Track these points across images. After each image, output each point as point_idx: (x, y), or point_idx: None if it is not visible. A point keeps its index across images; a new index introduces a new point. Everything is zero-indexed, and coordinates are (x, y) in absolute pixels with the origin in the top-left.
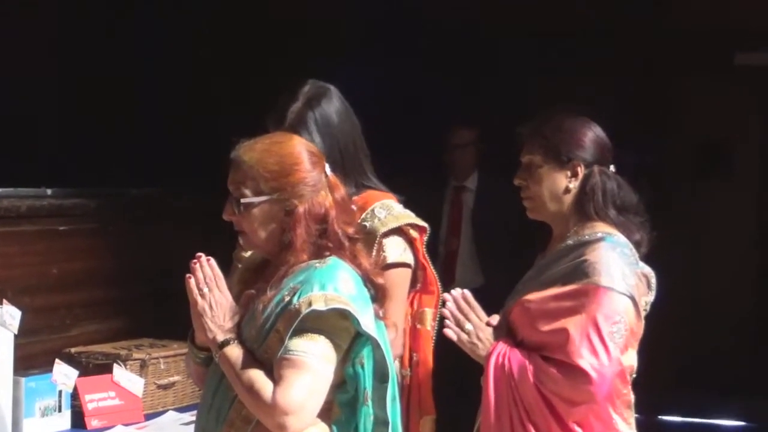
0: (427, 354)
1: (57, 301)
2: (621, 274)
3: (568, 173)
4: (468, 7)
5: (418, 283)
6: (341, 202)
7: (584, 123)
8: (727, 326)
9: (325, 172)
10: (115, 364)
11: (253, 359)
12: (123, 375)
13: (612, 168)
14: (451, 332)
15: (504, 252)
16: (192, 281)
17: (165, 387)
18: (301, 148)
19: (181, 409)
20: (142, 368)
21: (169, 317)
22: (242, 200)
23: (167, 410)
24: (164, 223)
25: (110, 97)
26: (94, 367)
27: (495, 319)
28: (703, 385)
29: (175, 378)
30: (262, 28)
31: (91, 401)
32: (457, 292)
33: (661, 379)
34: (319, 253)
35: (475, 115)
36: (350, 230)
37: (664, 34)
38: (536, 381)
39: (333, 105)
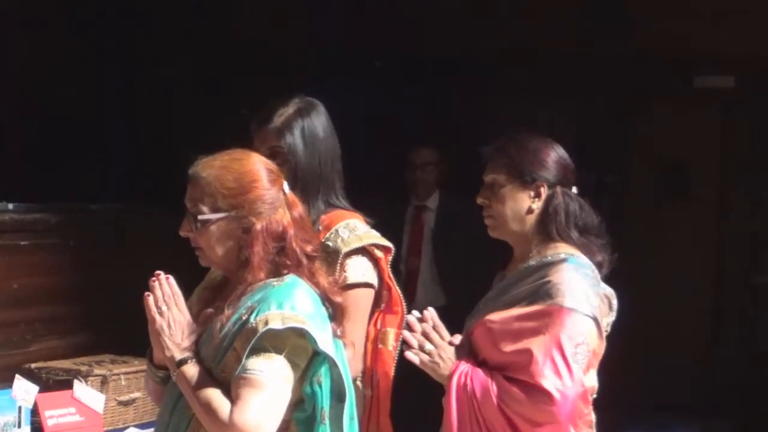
0: (388, 374)
1: (17, 317)
2: (584, 296)
3: (532, 193)
4: (430, 29)
5: (382, 303)
6: (299, 220)
7: (548, 144)
8: (686, 346)
9: (283, 190)
10: (75, 380)
11: (210, 378)
12: (84, 391)
13: (574, 189)
14: (412, 355)
15: (465, 271)
16: (150, 299)
17: (126, 403)
18: (259, 166)
19: (142, 426)
20: (103, 384)
21: (131, 333)
22: (199, 217)
23: (128, 427)
24: (126, 239)
25: (73, 111)
26: (54, 383)
27: (458, 338)
28: (662, 405)
29: (136, 394)
30: (225, 48)
31: (51, 417)
32: (416, 315)
33: (620, 399)
34: (276, 271)
35: (436, 135)
36: (308, 248)
37: (625, 56)
38: (499, 401)
39: (321, 120)
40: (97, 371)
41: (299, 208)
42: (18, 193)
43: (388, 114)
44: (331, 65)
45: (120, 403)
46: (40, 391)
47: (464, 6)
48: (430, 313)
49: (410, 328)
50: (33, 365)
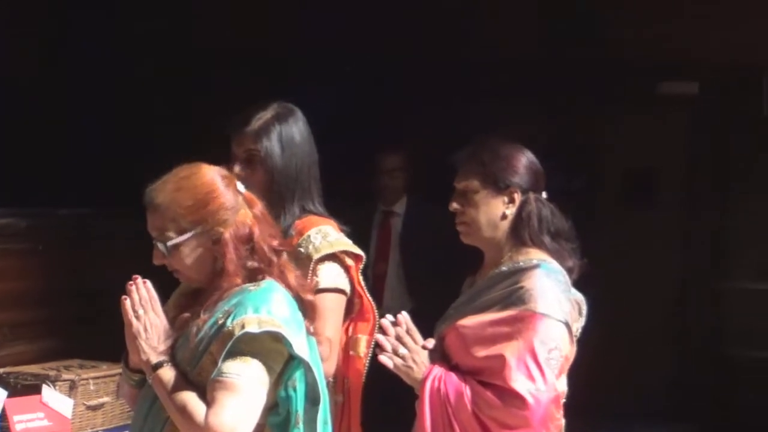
0: (358, 380)
1: None
2: (557, 301)
3: (506, 199)
4: (396, 35)
5: (353, 310)
6: (261, 216)
7: (519, 149)
8: (652, 351)
9: (239, 190)
10: (44, 385)
11: (186, 381)
12: (52, 396)
13: (544, 194)
14: (385, 359)
15: (432, 276)
16: (128, 302)
17: (94, 408)
18: (211, 175)
19: (110, 430)
20: (72, 389)
21: (99, 338)
22: (168, 243)
23: (96, 431)
24: (95, 244)
25: (42, 116)
26: (22, 388)
27: (431, 342)
28: (629, 410)
29: (105, 399)
30: (188, 53)
31: (20, 422)
32: (390, 318)
33: (587, 404)
34: (252, 277)
35: (403, 140)
36: (275, 242)
37: (592, 62)
38: (473, 405)
39: (298, 126)
40: (65, 376)
41: (259, 205)
42: None
43: (355, 119)
44: (298, 70)
45: (88, 407)
46: (8, 396)
47: (432, 12)
48: (404, 317)
49: (384, 332)
50: (1, 370)
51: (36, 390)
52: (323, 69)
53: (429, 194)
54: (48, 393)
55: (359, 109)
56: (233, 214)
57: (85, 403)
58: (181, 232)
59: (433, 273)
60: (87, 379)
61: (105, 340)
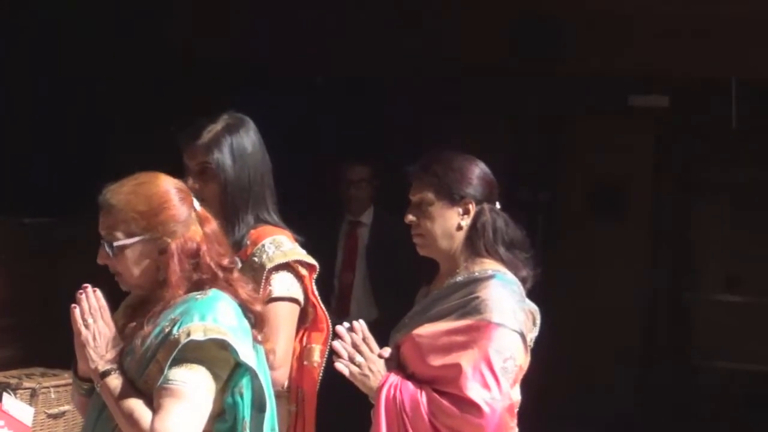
0: (312, 390)
1: None
2: (512, 311)
3: (460, 210)
4: (362, 45)
5: (307, 319)
6: (212, 235)
7: (472, 161)
8: (619, 360)
9: (194, 207)
10: (4, 393)
11: (133, 389)
12: (13, 404)
13: (497, 205)
14: (341, 366)
15: (398, 286)
16: (77, 311)
17: (55, 416)
18: (168, 186)
19: None
20: (33, 397)
21: (61, 346)
22: (114, 243)
23: None
24: (56, 252)
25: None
26: None
27: (387, 351)
28: (587, 421)
29: (66, 407)
30: (157, 59)
31: None
32: (346, 326)
33: (544, 414)
34: (195, 287)
35: (369, 151)
36: (224, 261)
37: (561, 75)
38: (429, 414)
39: (249, 136)
40: (26, 384)
41: (212, 224)
42: None
43: (321, 130)
44: (265, 82)
45: (49, 416)
46: None
47: (398, 24)
48: (360, 324)
49: (339, 339)
50: None
51: None
52: (293, 79)
53: (395, 205)
54: (8, 401)
55: (325, 119)
56: (183, 227)
57: (46, 411)
58: (129, 235)
59: (400, 283)
60: (48, 387)
61: (67, 348)
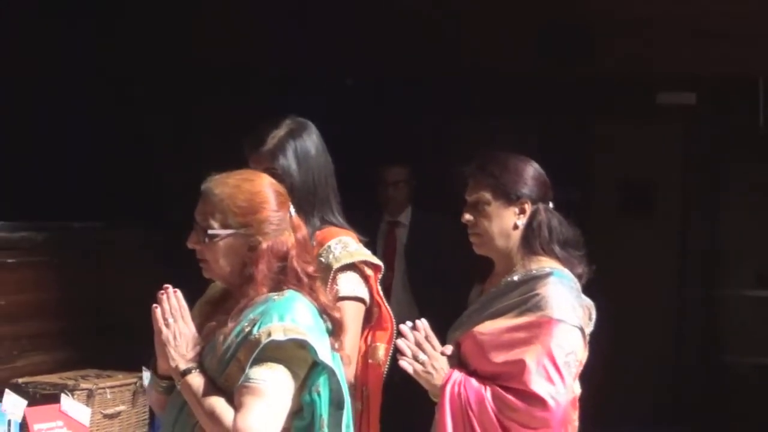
0: (377, 388)
1: (4, 333)
2: (571, 308)
3: (516, 210)
4: (398, 49)
5: (372, 318)
6: (302, 242)
7: (527, 162)
8: (649, 358)
9: (290, 213)
10: (62, 394)
11: (214, 387)
12: (71, 405)
13: (551, 204)
14: (405, 364)
15: (437, 285)
16: (158, 311)
17: (111, 416)
18: (269, 189)
19: None
20: (89, 398)
21: (113, 348)
22: (209, 231)
23: None
24: (107, 256)
25: (45, 128)
26: (41, 397)
27: (449, 349)
28: (625, 416)
29: (121, 407)
30: (189, 68)
31: (40, 430)
32: (410, 324)
33: (583, 410)
34: (277, 287)
35: (405, 152)
36: (310, 269)
37: (587, 75)
38: (495, 409)
39: (312, 139)
40: (83, 385)
41: (303, 231)
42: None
43: (358, 132)
44: (300, 84)
45: (105, 416)
46: (27, 405)
47: (430, 28)
48: (423, 323)
49: (403, 337)
50: (20, 380)
51: (54, 399)
52: (324, 83)
53: (433, 205)
54: (66, 402)
55: (362, 122)
56: (276, 230)
57: (102, 411)
58: (225, 227)
59: (438, 282)
60: (104, 388)
61: (120, 350)
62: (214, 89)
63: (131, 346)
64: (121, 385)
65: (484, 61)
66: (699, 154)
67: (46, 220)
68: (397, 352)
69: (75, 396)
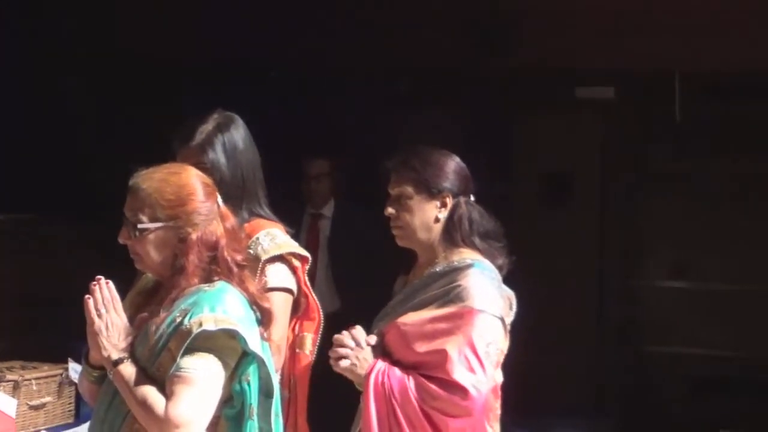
0: (305, 377)
1: None
2: (492, 298)
3: (438, 204)
4: (321, 42)
5: (299, 309)
6: (231, 231)
7: (449, 156)
8: (569, 348)
9: (218, 203)
10: None
11: (145, 376)
12: None
13: (472, 197)
14: (332, 362)
15: (359, 277)
16: (90, 302)
17: (36, 407)
18: (196, 180)
19: (52, 429)
20: (15, 389)
21: (39, 340)
22: (139, 226)
23: (39, 430)
24: (32, 249)
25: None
26: None
27: (373, 339)
28: (546, 406)
29: (47, 399)
30: (115, 58)
31: None
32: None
33: (504, 400)
34: (208, 278)
35: (329, 145)
36: (239, 257)
37: (508, 68)
38: (418, 397)
39: (240, 133)
40: (9, 377)
41: (231, 220)
42: None
43: (282, 124)
44: (223, 76)
45: (31, 407)
46: None
47: (351, 21)
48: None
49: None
50: None
51: None
52: (248, 75)
53: (355, 197)
54: None
55: (285, 115)
56: (205, 220)
57: (28, 402)
58: (153, 220)
59: (360, 274)
60: (30, 379)
61: (45, 341)
62: (140, 82)
63: (57, 337)
64: (46, 377)
65: (400, 54)
66: (617, 147)
67: None
68: (322, 344)
69: (1, 387)
